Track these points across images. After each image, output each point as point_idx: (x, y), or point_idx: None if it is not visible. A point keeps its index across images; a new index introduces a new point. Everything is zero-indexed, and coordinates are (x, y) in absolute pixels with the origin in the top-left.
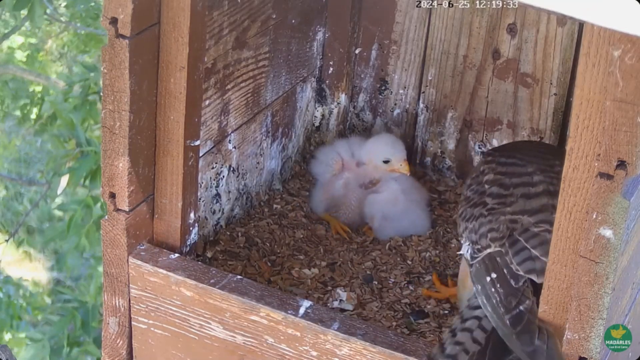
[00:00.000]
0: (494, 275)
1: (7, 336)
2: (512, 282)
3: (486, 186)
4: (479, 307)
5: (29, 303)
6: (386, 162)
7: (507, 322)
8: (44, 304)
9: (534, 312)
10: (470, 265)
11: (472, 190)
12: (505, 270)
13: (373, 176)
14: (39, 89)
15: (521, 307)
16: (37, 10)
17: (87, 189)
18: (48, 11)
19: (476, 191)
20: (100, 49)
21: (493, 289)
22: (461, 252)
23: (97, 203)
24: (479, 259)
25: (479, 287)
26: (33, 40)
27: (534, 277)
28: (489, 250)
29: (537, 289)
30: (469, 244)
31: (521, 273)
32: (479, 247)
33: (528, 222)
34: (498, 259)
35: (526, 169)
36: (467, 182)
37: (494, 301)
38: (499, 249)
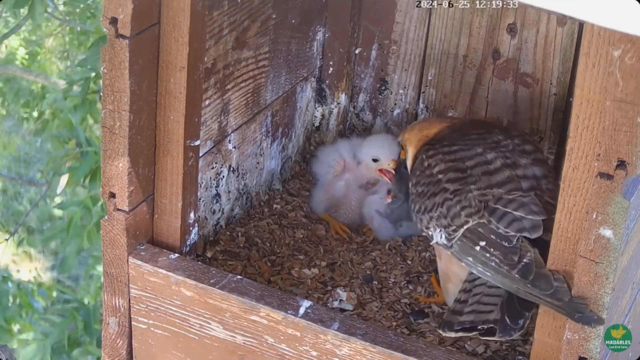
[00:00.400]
0: (482, 243)
1: (16, 327)
2: (505, 244)
3: (440, 176)
4: (478, 278)
5: (27, 305)
6: (375, 160)
7: (517, 276)
8: (46, 300)
9: (539, 261)
10: (450, 247)
11: (423, 184)
12: (493, 236)
13: (370, 176)
14: (34, 89)
15: (525, 260)
16: (37, 8)
17: (87, 189)
18: (49, 9)
19: (429, 184)
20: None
21: (488, 254)
22: (433, 242)
23: (97, 204)
24: (458, 236)
25: (470, 259)
26: (33, 38)
27: (526, 234)
28: (466, 226)
29: (536, 245)
30: (439, 231)
31: (512, 233)
32: (454, 227)
33: (499, 193)
34: (480, 229)
35: (475, 151)
36: (412, 182)
37: (494, 264)
38: (478, 220)
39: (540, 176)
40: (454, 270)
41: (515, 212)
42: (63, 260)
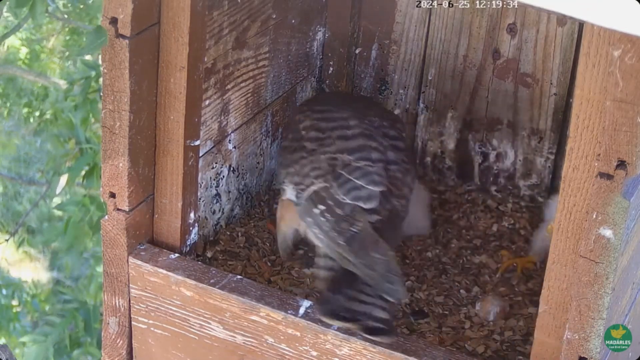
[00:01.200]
0: (322, 207)
1: (1, 341)
2: (340, 211)
3: (303, 132)
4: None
5: (27, 305)
6: None
7: (343, 243)
8: (43, 307)
9: (367, 232)
10: (297, 205)
11: (289, 139)
12: (331, 202)
13: None
14: (36, 89)
15: (353, 229)
16: (38, 7)
17: (85, 189)
18: (50, 9)
19: (294, 139)
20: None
21: (323, 218)
22: (286, 197)
23: (94, 203)
24: (305, 196)
25: (310, 219)
26: (34, 38)
27: (361, 204)
28: (313, 188)
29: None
30: (292, 187)
31: (348, 201)
32: (303, 186)
33: (348, 159)
34: (323, 193)
35: (341, 114)
36: (284, 135)
37: (326, 228)
38: (324, 184)
39: (390, 160)
40: (289, 216)
41: (356, 181)
42: (54, 256)
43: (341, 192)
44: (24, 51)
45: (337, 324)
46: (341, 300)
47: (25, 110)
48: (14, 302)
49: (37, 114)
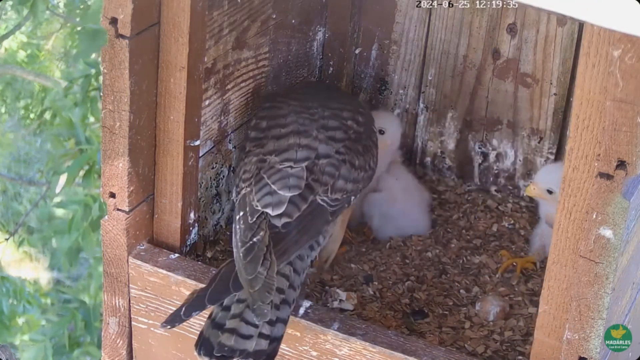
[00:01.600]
0: (241, 213)
1: (21, 320)
2: (250, 219)
3: (249, 132)
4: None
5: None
6: (381, 132)
7: (241, 254)
8: (44, 306)
9: (264, 242)
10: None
11: (245, 138)
12: (248, 208)
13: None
14: (36, 89)
15: (254, 239)
16: (39, 6)
17: (88, 187)
18: (50, 7)
19: (245, 137)
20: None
21: (237, 227)
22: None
23: (96, 202)
24: (238, 199)
25: (233, 225)
26: (34, 40)
27: (269, 210)
28: (243, 192)
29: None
30: (235, 187)
31: (258, 208)
32: (239, 189)
33: (274, 161)
34: (247, 198)
35: (281, 112)
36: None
37: (237, 237)
38: (248, 189)
39: (322, 154)
40: None
41: (272, 185)
42: (59, 257)
43: (256, 198)
44: (22, 54)
45: None
46: (219, 337)
47: (23, 109)
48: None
49: (37, 112)
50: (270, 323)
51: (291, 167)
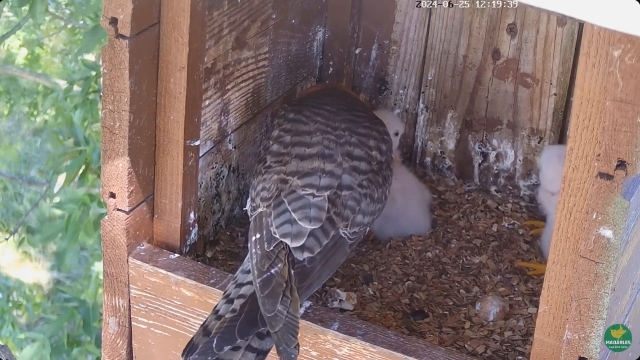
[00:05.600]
0: (258, 236)
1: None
2: (267, 246)
3: (270, 142)
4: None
5: (26, 305)
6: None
7: (258, 285)
8: (40, 309)
9: (283, 276)
10: (250, 219)
11: (263, 146)
12: (265, 232)
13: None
14: (39, 89)
15: (272, 270)
16: (38, 7)
17: (84, 187)
18: (50, 9)
19: (265, 147)
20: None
21: (254, 250)
22: (246, 207)
23: (94, 201)
24: (254, 215)
25: (249, 245)
26: (34, 39)
27: (287, 241)
28: (259, 210)
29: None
30: (250, 199)
31: (277, 236)
32: (255, 205)
33: (296, 184)
34: (264, 219)
35: (307, 128)
36: (266, 130)
37: (254, 262)
38: (267, 209)
39: (345, 185)
40: None
41: (292, 213)
42: (60, 256)
43: (275, 224)
44: (23, 53)
45: None
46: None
47: (27, 110)
48: (10, 304)
49: (39, 110)
50: (260, 336)
51: (313, 195)
